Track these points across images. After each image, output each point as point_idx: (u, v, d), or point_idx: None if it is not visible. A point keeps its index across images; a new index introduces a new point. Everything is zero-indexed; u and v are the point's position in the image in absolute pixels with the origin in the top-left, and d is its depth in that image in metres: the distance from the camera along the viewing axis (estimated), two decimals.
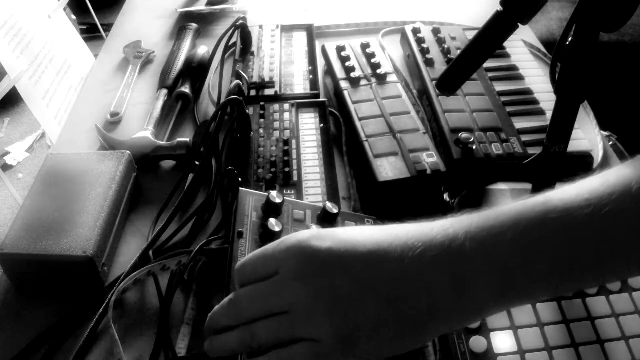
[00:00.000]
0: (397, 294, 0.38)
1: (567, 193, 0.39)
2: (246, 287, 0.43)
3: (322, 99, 0.76)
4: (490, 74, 0.76)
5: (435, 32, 0.82)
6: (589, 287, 0.51)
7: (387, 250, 0.39)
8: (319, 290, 0.39)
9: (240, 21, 0.86)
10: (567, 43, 0.46)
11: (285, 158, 0.66)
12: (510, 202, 0.58)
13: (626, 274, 0.48)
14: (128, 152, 0.66)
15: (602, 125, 0.73)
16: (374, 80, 0.74)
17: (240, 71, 0.79)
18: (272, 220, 0.52)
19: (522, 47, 0.83)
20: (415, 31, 0.83)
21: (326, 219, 0.55)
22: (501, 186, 0.62)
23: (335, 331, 0.38)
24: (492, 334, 0.48)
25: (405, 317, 0.38)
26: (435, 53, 0.79)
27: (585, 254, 0.37)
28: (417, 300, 0.38)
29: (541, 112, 0.71)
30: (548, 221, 0.37)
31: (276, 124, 0.71)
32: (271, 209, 0.54)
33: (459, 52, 0.60)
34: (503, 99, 0.72)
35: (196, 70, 0.84)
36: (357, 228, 0.43)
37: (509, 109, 0.71)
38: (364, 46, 0.80)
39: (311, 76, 0.80)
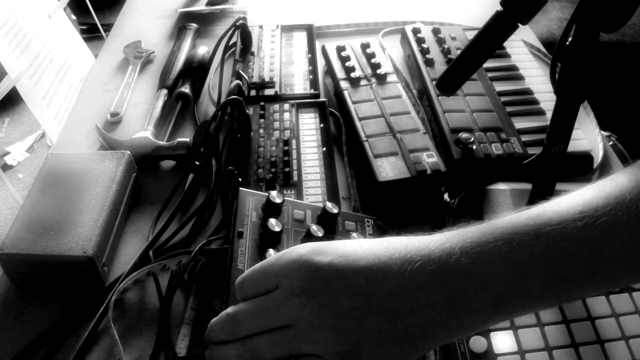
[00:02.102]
0: (397, 310, 0.38)
1: (560, 205, 0.39)
2: (246, 301, 0.43)
3: (322, 99, 0.76)
4: (490, 74, 0.76)
5: (435, 32, 0.82)
6: (586, 297, 0.51)
7: (386, 263, 0.39)
8: (322, 306, 0.39)
9: (240, 21, 0.86)
10: (567, 43, 0.46)
11: (285, 158, 0.66)
12: (510, 202, 0.58)
13: (621, 283, 0.48)
14: (128, 152, 0.66)
15: (602, 125, 0.73)
16: (374, 80, 0.74)
17: (240, 71, 0.79)
18: (272, 220, 0.52)
19: (522, 47, 0.83)
20: (415, 31, 0.83)
21: (326, 219, 0.55)
22: (501, 186, 0.62)
23: (338, 347, 0.38)
24: (492, 334, 0.48)
25: (405, 331, 0.38)
26: (435, 53, 0.79)
27: (579, 267, 0.37)
28: (417, 315, 0.38)
29: (541, 112, 0.71)
30: (541, 235, 0.37)
31: (276, 124, 0.71)
32: (271, 209, 0.54)
33: (459, 52, 0.60)
34: (503, 99, 0.72)
35: (196, 70, 0.84)
36: (355, 241, 0.43)
37: (509, 109, 0.71)
38: (364, 46, 0.80)
39: (311, 76, 0.80)
